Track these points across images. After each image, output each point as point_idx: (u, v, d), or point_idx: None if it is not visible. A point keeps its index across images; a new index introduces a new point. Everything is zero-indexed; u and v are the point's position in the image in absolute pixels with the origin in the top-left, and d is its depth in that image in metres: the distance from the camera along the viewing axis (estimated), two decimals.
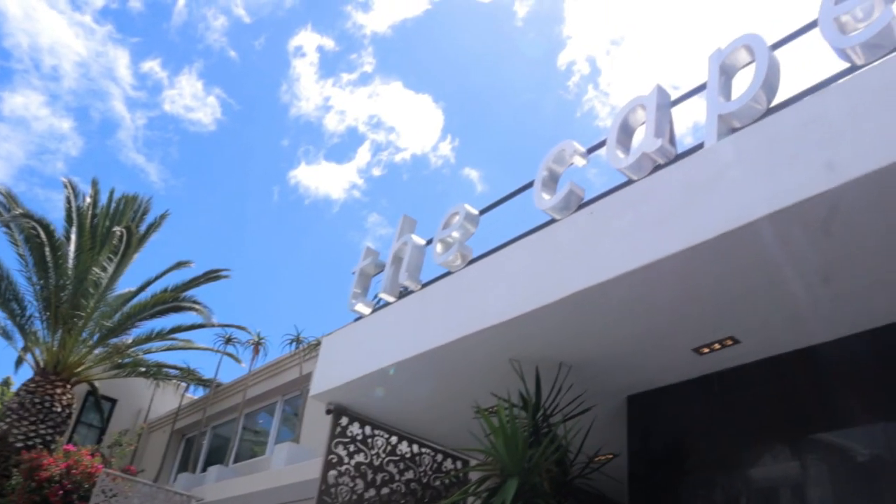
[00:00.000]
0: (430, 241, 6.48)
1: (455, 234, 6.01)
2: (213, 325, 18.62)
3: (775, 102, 4.30)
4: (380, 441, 6.91)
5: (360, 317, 6.90)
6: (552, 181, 5.39)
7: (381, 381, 6.08)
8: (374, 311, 6.78)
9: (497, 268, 5.35)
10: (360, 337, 6.59)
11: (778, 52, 4.46)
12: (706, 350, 5.07)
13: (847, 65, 4.02)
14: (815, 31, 4.22)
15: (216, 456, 17.95)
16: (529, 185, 5.54)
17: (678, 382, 5.63)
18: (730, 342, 4.94)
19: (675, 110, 4.98)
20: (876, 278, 4.19)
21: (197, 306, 18.32)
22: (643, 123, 4.86)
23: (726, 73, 4.59)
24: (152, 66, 36.36)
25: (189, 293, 18.60)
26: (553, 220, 5.19)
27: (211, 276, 19.05)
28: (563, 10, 37.57)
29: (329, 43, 37.16)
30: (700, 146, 4.40)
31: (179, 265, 19.15)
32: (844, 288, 4.28)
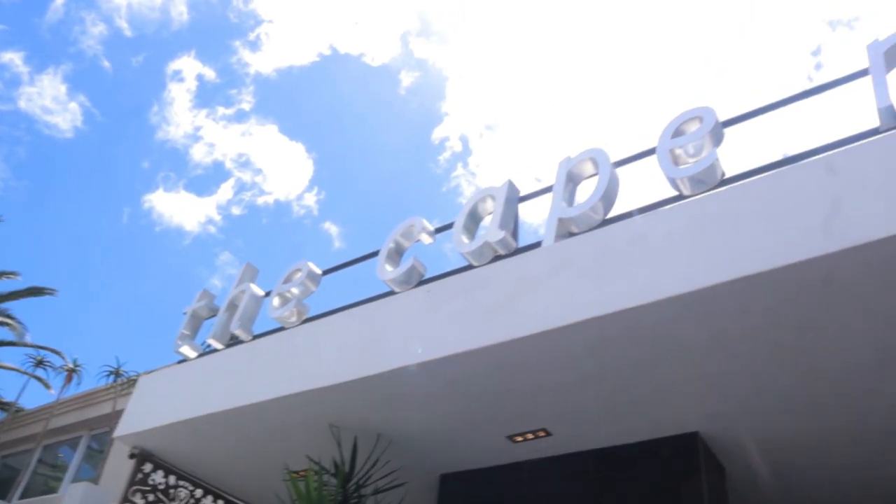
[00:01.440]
0: (269, 293, 6.36)
1: (294, 290, 5.93)
2: (24, 345, 17.19)
3: (611, 215, 4.61)
4: (183, 493, 6.55)
5: (183, 359, 6.61)
6: (397, 254, 5.48)
7: (201, 428, 5.80)
8: (200, 356, 6.52)
9: (330, 331, 5.32)
10: (181, 381, 6.30)
11: (621, 169, 4.83)
12: (520, 438, 5.22)
13: (675, 192, 4.40)
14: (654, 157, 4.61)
15: (0, 489, 16.31)
16: (375, 253, 5.60)
17: (491, 466, 5.73)
18: (542, 434, 5.12)
19: (527, 205, 5.27)
20: (673, 389, 4.51)
21: (9, 321, 16.91)
22: (490, 213, 5.06)
23: (572, 180, 4.89)
24: (14, 58, 33.96)
25: (4, 306, 17.15)
26: (392, 292, 5.25)
27: (34, 291, 17.70)
28: (446, 87, 38.82)
29: (210, 73, 36.28)
30: (538, 244, 4.64)
31: (1, 276, 17.67)
32: (645, 395, 4.58)
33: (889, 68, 4.08)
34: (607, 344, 4.10)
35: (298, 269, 6.09)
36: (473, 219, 5.18)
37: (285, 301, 5.98)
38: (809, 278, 3.54)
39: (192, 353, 6.57)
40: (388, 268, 5.35)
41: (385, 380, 4.72)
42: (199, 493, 6.65)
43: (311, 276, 6.02)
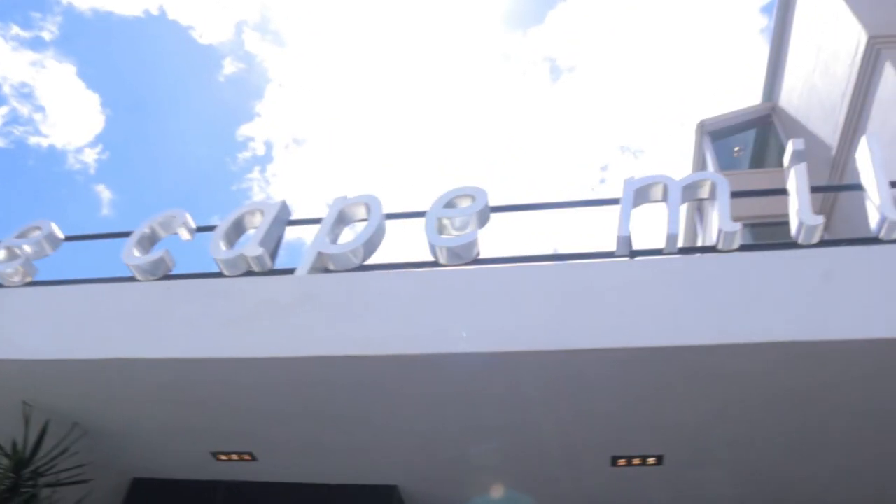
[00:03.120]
0: None
1: (27, 248, 5.43)
2: None
3: (370, 262, 4.74)
4: None
5: None
6: (150, 241, 5.22)
7: None
8: None
9: (52, 301, 4.89)
10: None
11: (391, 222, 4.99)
12: (224, 457, 5.11)
13: (432, 258, 4.62)
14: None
15: None
16: (128, 233, 5.29)
17: (188, 479, 5.54)
18: (248, 457, 5.06)
19: (291, 229, 5.27)
20: (382, 441, 4.70)
21: None
22: (256, 228, 5.00)
23: (343, 219, 4.97)
24: None
25: None
26: (132, 279, 4.99)
27: None
28: (266, 88, 37.93)
29: None
30: (292, 270, 4.65)
31: None
32: (354, 441, 4.73)
33: (636, 204, 4.63)
34: (326, 384, 4.17)
35: (38, 227, 5.60)
36: (237, 229, 5.09)
37: (12, 257, 5.45)
38: (522, 367, 3.87)
39: None
40: (136, 253, 5.08)
41: (94, 367, 4.42)
42: None
43: (51, 238, 5.56)
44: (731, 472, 4.89)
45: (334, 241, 4.82)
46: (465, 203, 4.76)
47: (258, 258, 4.71)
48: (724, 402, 4.10)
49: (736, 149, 14.26)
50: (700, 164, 14.29)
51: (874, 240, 4.44)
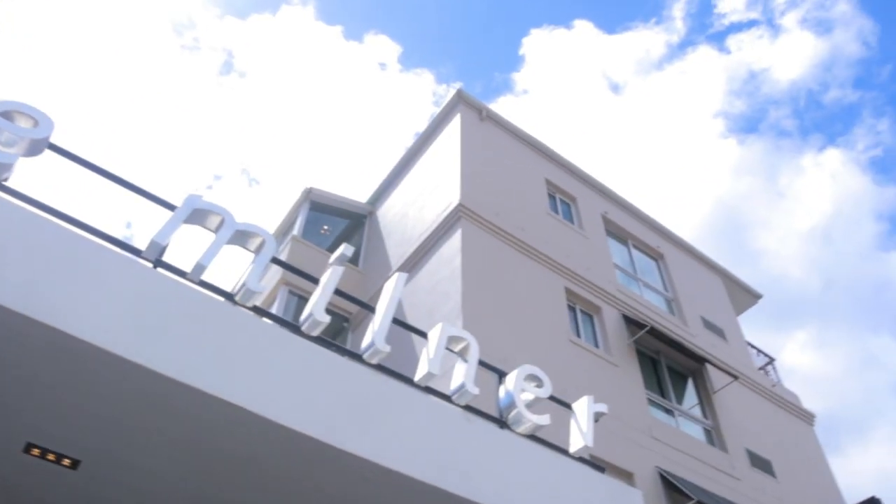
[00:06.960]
0: None
1: None
2: None
3: None
4: None
5: None
6: None
7: None
8: None
9: None
10: None
11: None
12: None
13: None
14: None
15: None
16: None
17: None
18: None
19: None
20: None
21: None
22: None
23: None
24: None
25: None
26: None
27: None
28: None
29: None
30: None
31: None
32: None
33: (189, 221, 4.70)
34: None
35: None
36: None
37: None
38: None
39: None
40: None
41: None
42: None
43: None
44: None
45: None
46: (24, 123, 4.30)
47: None
48: (158, 430, 4.18)
49: (325, 227, 15.19)
50: (289, 222, 14.89)
51: (359, 357, 5.08)
